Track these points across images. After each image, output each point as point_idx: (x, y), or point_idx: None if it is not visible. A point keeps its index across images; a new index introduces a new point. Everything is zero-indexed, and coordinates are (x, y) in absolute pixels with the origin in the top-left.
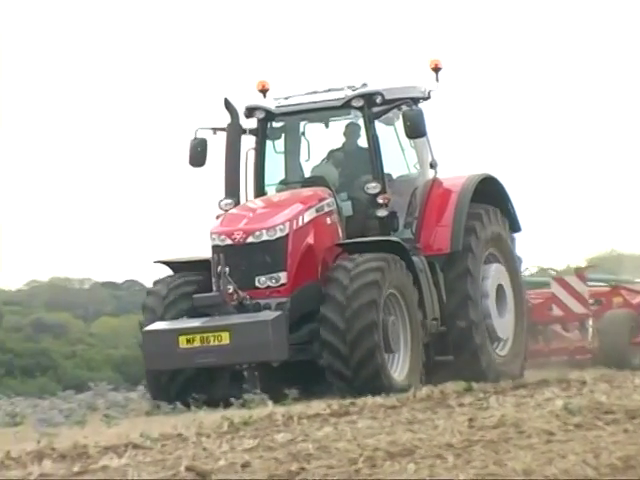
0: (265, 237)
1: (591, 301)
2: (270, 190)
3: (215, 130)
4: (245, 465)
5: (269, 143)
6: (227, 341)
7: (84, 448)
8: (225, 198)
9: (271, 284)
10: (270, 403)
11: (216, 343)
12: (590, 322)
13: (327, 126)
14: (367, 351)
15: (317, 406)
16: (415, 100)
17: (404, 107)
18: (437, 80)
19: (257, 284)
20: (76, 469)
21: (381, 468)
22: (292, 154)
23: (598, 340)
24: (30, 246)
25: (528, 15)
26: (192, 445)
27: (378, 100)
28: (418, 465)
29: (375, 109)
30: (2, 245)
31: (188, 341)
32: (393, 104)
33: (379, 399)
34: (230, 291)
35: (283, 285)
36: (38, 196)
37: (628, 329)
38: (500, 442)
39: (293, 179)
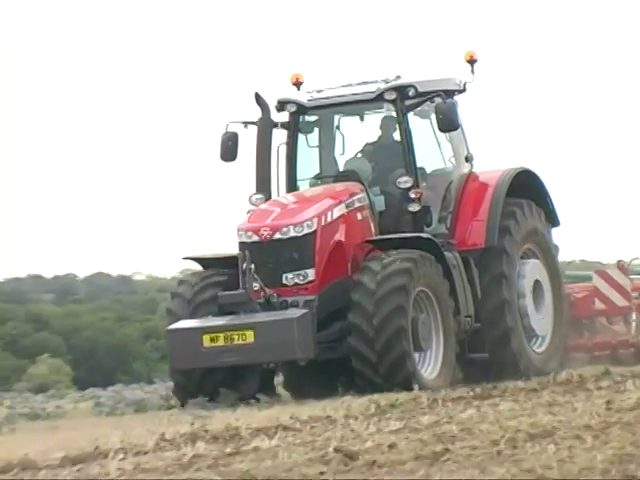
0: (292, 233)
1: (635, 294)
2: (302, 185)
3: (246, 124)
4: (391, 446)
5: (301, 137)
6: (251, 340)
7: (236, 430)
8: (256, 193)
9: (299, 281)
10: (416, 387)
11: (240, 342)
12: (634, 316)
13: (362, 119)
14: (397, 359)
15: (461, 389)
16: (450, 92)
17: (437, 100)
18: (473, 72)
19: (284, 281)
20: (228, 450)
21: (522, 449)
22: (324, 148)
23: None
24: (183, 233)
25: (566, 6)
26: (340, 427)
27: (411, 93)
28: (558, 446)
29: (408, 102)
30: (156, 233)
31: (212, 340)
32: (426, 97)
33: (520, 383)
34: (256, 288)
35: (311, 282)
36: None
37: None
38: (636, 424)
39: (325, 174)
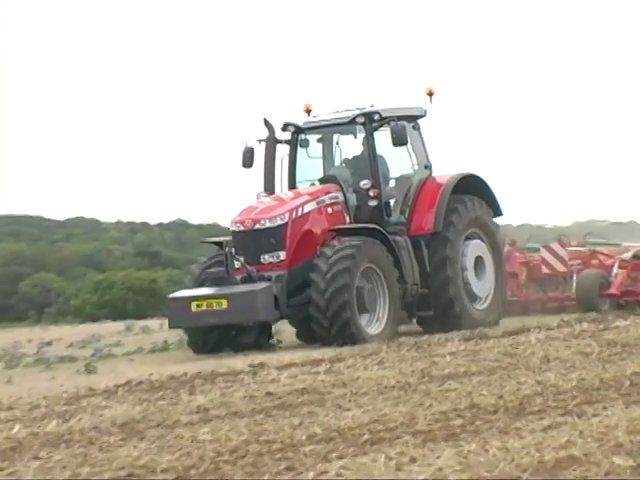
0: (268, 225)
1: (578, 262)
2: (301, 185)
3: (260, 141)
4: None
5: (300, 150)
6: (225, 306)
7: (606, 315)
8: (262, 192)
9: (272, 260)
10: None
11: (217, 307)
12: (574, 277)
13: (355, 137)
14: (342, 324)
15: None
16: (413, 117)
17: (392, 123)
18: (431, 102)
19: (262, 261)
20: (601, 327)
21: None
22: (317, 159)
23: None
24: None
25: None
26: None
27: (376, 117)
28: None
29: (374, 124)
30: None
31: (198, 305)
32: (386, 120)
33: None
34: (238, 266)
35: (282, 261)
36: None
37: (598, 284)
38: None
39: (315, 178)
